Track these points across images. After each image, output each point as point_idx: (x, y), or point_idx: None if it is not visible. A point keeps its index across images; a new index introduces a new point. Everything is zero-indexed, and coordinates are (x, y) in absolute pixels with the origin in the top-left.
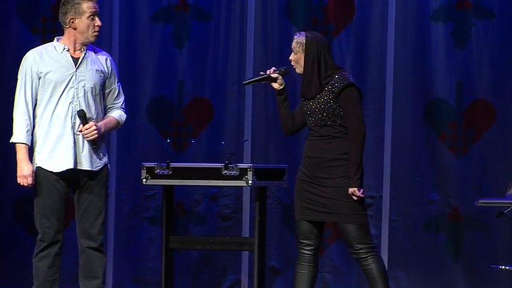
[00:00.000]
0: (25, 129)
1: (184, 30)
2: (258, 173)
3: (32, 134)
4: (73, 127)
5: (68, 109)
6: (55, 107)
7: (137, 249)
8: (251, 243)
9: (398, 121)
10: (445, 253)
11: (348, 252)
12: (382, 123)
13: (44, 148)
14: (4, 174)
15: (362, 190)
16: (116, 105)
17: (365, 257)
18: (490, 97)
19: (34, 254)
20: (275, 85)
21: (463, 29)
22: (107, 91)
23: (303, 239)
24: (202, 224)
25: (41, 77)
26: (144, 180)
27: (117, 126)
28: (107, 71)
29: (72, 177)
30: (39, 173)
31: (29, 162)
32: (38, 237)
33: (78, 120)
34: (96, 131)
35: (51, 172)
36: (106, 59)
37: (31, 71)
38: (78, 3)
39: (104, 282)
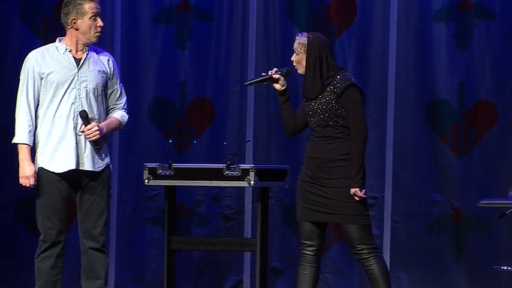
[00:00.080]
0: (27, 130)
1: (186, 31)
2: (260, 174)
3: (34, 135)
4: (75, 128)
5: (70, 110)
6: (57, 108)
7: (139, 249)
8: (253, 244)
9: (400, 122)
10: (447, 254)
11: (350, 253)
12: (384, 124)
13: (46, 149)
14: (6, 175)
15: (364, 191)
16: (118, 106)
17: (367, 258)
18: (492, 98)
19: (36, 254)
20: (277, 86)
21: (465, 29)
22: (109, 92)
23: (305, 240)
24: (204, 224)
25: (43, 78)
26: (146, 180)
27: (119, 126)
28: (109, 72)
29: (74, 177)
30: (41, 174)
31: (31, 162)
32: (40, 237)
33: (80, 121)
34: (98, 132)
35: (53, 173)
36: (108, 60)
37: (33, 71)
38: (80, 4)
39: (106, 283)
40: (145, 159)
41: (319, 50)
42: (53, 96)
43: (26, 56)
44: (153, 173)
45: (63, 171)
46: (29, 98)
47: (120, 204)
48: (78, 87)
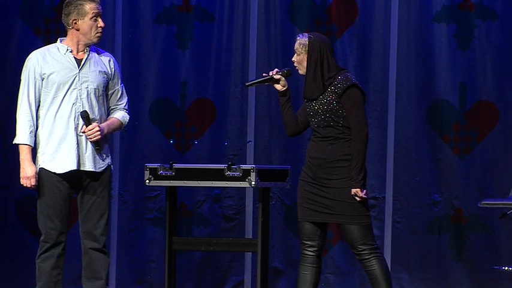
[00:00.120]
0: (28, 131)
1: (187, 31)
2: (261, 174)
3: (35, 135)
4: (76, 128)
5: (71, 110)
6: (58, 108)
7: (140, 250)
8: (254, 244)
9: (401, 122)
10: (448, 254)
11: (351, 254)
12: (385, 124)
13: (47, 149)
14: (7, 176)
15: (365, 191)
16: (119, 107)
17: (368, 258)
18: (493, 98)
19: (37, 255)
20: (278, 86)
21: (466, 30)
22: (110, 92)
23: (306, 240)
24: (205, 225)
25: (44, 78)
26: (147, 181)
27: (121, 127)
28: (110, 72)
29: (76, 178)
30: (42, 174)
31: (32, 163)
32: (41, 238)
33: (81, 121)
34: (99, 132)
35: (55, 173)
36: (109, 60)
37: (34, 72)
38: (81, 5)
39: (107, 283)
40: (146, 160)
41: (320, 50)
42: (54, 97)
43: (27, 57)
44: (154, 173)
45: (64, 171)
46: (30, 99)
47: (121, 205)
48: (79, 88)
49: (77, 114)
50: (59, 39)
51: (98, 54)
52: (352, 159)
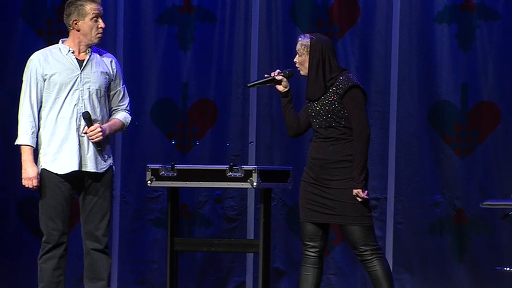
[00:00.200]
0: (30, 131)
1: (188, 32)
2: (262, 175)
3: (37, 136)
4: (78, 129)
5: (73, 111)
6: (60, 109)
7: (142, 251)
8: (256, 245)
9: (403, 123)
10: (449, 255)
11: (352, 254)
12: (387, 125)
13: (49, 150)
14: (9, 177)
15: (366, 191)
16: (121, 107)
17: (370, 259)
18: (495, 99)
19: (39, 256)
20: (280, 87)
21: (467, 30)
22: (112, 93)
23: (307, 241)
24: (207, 225)
25: (46, 79)
26: (149, 182)
27: (122, 128)
28: (112, 73)
29: (77, 179)
30: (44, 175)
31: (34, 164)
32: (43, 239)
33: (83, 122)
34: (101, 133)
35: (56, 174)
36: (111, 61)
37: (36, 73)
38: (81, 5)
39: (108, 284)
40: (148, 161)
41: (322, 51)
42: (56, 98)
43: (28, 58)
44: (155, 174)
45: (66, 172)
46: (32, 100)
47: (123, 206)
48: (81, 89)
49: (78, 115)
50: (60, 40)
51: (99, 55)
52: (354, 159)
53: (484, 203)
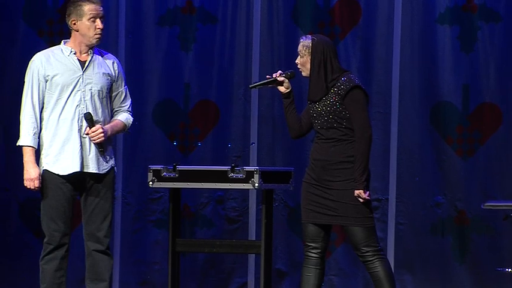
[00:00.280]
0: (32, 132)
1: (190, 33)
2: (264, 176)
3: (39, 137)
4: (80, 130)
5: (75, 112)
6: (62, 110)
7: (143, 252)
8: (257, 246)
9: (405, 124)
10: (451, 256)
11: (354, 255)
12: (388, 126)
13: (51, 151)
14: (11, 178)
15: (368, 192)
16: (122, 108)
17: (372, 260)
18: (496, 100)
19: (41, 257)
20: (281, 88)
21: (469, 32)
22: (113, 94)
23: (309, 242)
24: (209, 226)
25: (47, 80)
26: (151, 183)
27: (124, 129)
28: (113, 74)
29: (79, 180)
30: (46, 176)
31: (36, 165)
32: (45, 240)
33: (85, 123)
34: (102, 134)
35: (58, 175)
36: (113, 62)
37: (38, 74)
38: (80, 5)
39: (110, 285)
40: (150, 162)
41: (324, 52)
42: (58, 99)
43: (30, 58)
44: (157, 175)
45: (67, 173)
46: (34, 100)
47: (125, 207)
48: (83, 90)
49: (80, 116)
50: (62, 41)
51: (101, 56)
52: (356, 160)
53: (486, 204)
